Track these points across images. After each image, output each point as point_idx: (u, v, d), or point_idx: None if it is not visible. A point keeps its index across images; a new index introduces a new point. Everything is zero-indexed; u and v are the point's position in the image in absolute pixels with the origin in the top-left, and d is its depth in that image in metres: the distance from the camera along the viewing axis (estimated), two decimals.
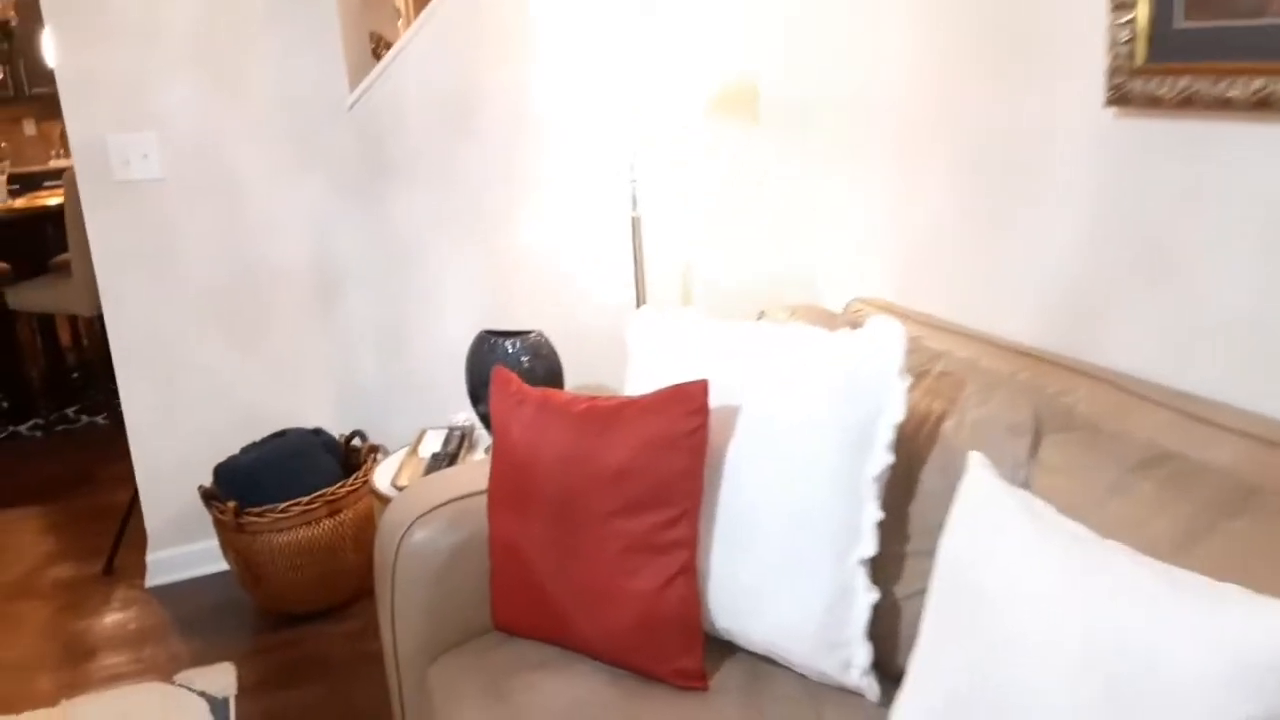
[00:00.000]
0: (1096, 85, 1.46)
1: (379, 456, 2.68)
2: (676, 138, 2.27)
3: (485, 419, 2.26)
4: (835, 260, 2.16)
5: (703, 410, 1.37)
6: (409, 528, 1.63)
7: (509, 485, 1.53)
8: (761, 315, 1.82)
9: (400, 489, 2.03)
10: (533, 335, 2.21)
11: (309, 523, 2.45)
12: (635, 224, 2.17)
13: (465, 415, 2.65)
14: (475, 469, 1.76)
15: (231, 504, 2.41)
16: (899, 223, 1.96)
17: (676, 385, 1.40)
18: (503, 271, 2.65)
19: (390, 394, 2.84)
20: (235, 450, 2.65)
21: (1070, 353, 1.58)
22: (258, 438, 2.70)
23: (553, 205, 2.63)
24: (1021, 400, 1.38)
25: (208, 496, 2.51)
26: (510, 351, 2.19)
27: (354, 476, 2.55)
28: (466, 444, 2.25)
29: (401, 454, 2.30)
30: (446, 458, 2.12)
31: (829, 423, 1.35)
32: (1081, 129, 1.51)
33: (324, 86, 2.67)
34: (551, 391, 1.55)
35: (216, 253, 2.73)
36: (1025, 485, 1.27)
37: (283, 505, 2.42)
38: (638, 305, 2.22)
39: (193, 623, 2.63)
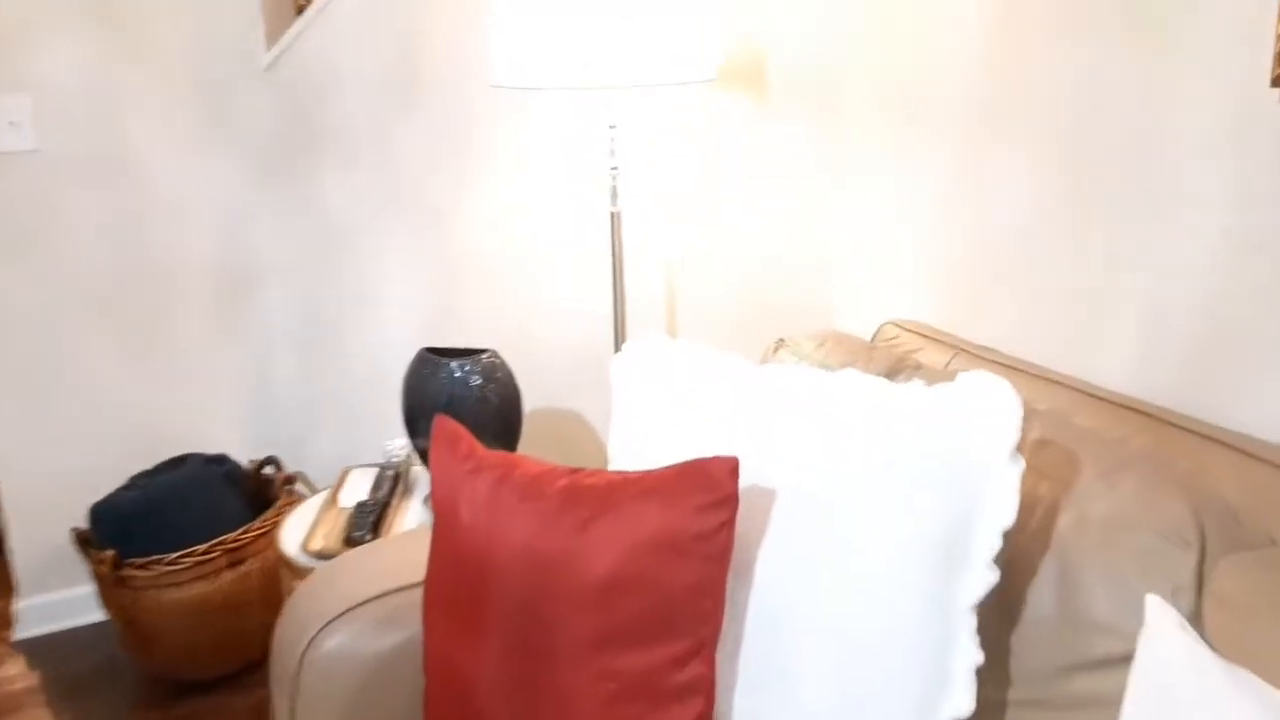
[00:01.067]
0: (1264, 55, 1.08)
1: (296, 488, 2.23)
2: (665, 116, 1.84)
3: (424, 454, 1.83)
4: (857, 271, 1.76)
5: (730, 501, 0.96)
6: (318, 633, 1.20)
7: (452, 587, 1.10)
8: (780, 345, 1.42)
9: (314, 554, 1.59)
10: (485, 356, 1.78)
11: (206, 576, 2.00)
12: (614, 220, 1.76)
13: (401, 443, 2.21)
14: (412, 543, 1.33)
15: (109, 553, 1.95)
16: (952, 227, 1.56)
17: (692, 463, 0.99)
18: (451, 271, 2.20)
19: (312, 414, 2.38)
20: (123, 479, 2.19)
21: (1198, 412, 1.20)
22: (150, 464, 2.23)
23: (513, 195, 2.18)
24: (1170, 491, 0.99)
25: (82, 541, 2.04)
26: (457, 375, 1.76)
27: (263, 517, 2.10)
28: (401, 488, 1.82)
29: (317, 501, 1.86)
30: (374, 509, 1.69)
31: (906, 523, 0.95)
32: (1233, 115, 1.13)
33: (237, 41, 2.20)
34: (516, 459, 1.13)
35: (103, 242, 2.25)
36: (1197, 627, 0.89)
37: (173, 555, 1.96)
38: (616, 316, 1.80)
39: (67, 687, 2.16)
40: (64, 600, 2.35)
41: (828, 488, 1.00)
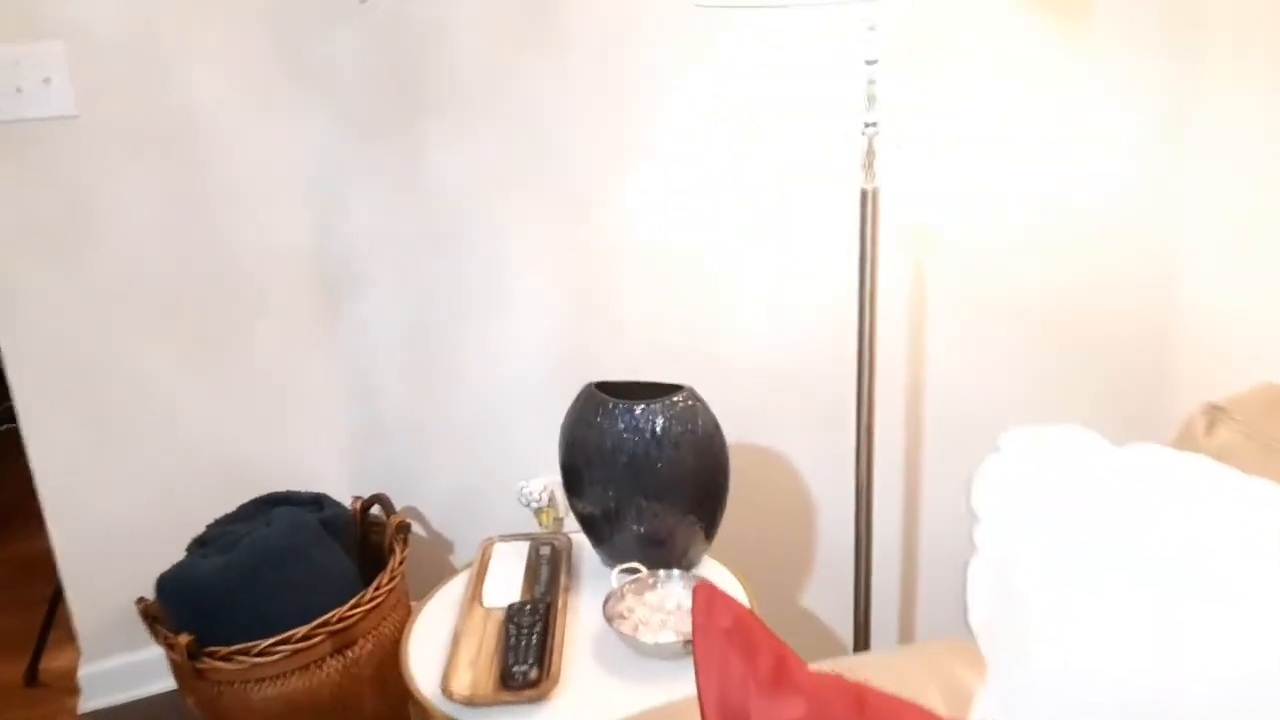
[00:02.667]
0: None
1: (408, 536, 1.78)
2: (939, 48, 1.30)
3: (589, 521, 1.35)
4: (1231, 276, 1.21)
5: None
6: None
7: None
8: (1217, 417, 0.88)
9: (460, 701, 1.10)
10: (680, 398, 1.28)
11: (306, 666, 1.56)
12: (868, 202, 1.23)
13: (539, 485, 1.73)
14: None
15: (184, 638, 1.52)
16: None
17: None
18: (600, 270, 1.68)
19: (423, 441, 1.92)
20: (197, 526, 1.76)
21: None
22: (229, 506, 1.79)
23: (688, 173, 1.62)
24: None
25: (149, 616, 1.61)
26: (642, 425, 1.26)
27: (376, 584, 1.65)
28: (563, 578, 1.33)
29: (457, 594, 1.37)
30: (535, 621, 1.20)
31: None
32: None
33: None
34: (859, 688, 0.63)
35: (161, 231, 1.79)
36: None
37: (264, 644, 1.52)
38: (862, 342, 1.28)
39: None
40: (133, 665, 1.94)
41: None
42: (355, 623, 1.58)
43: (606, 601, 1.22)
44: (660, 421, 1.26)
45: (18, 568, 2.49)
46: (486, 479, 1.87)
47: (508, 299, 1.75)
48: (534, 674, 1.10)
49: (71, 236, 1.74)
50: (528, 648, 1.16)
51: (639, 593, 1.24)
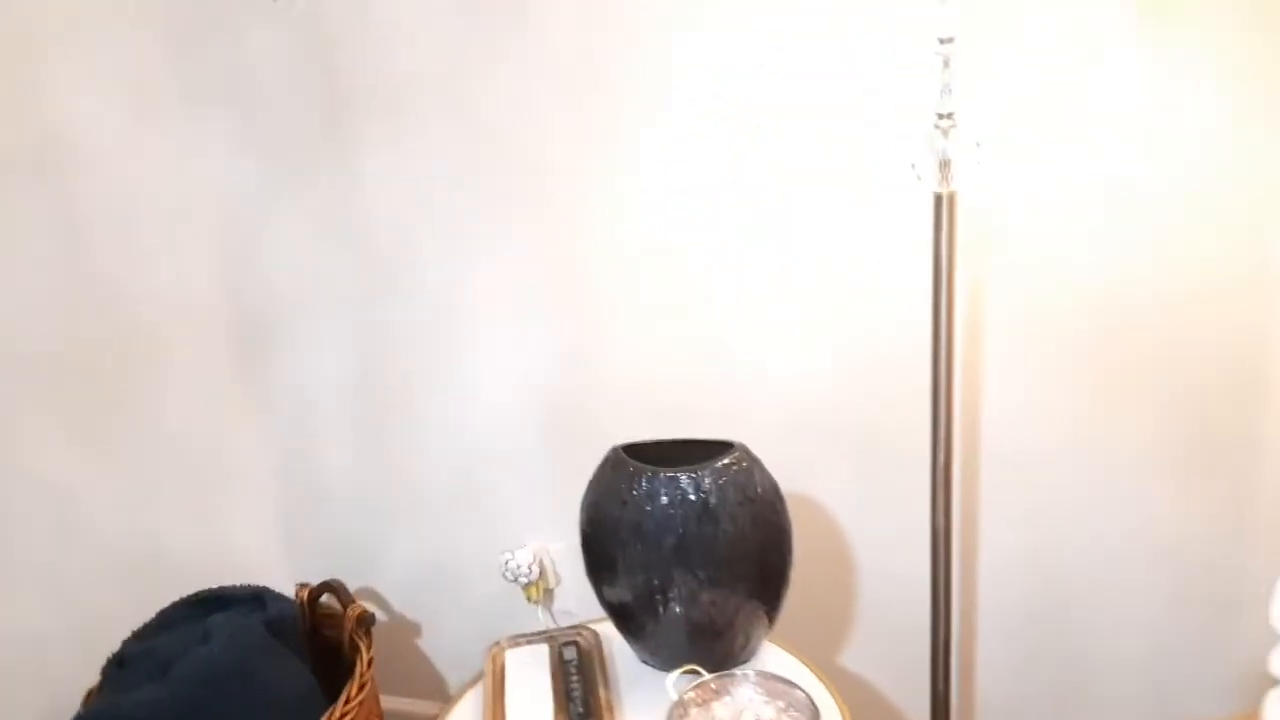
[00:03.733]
0: None
1: (371, 628, 1.49)
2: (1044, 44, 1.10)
3: (623, 613, 1.11)
4: None
5: None
6: None
7: None
8: None
9: None
10: (733, 457, 1.05)
11: None
12: (943, 209, 1.02)
13: (525, 557, 1.48)
14: None
15: None
16: None
17: None
18: (586, 286, 1.42)
19: (379, 510, 1.63)
20: (111, 634, 1.43)
21: None
22: (148, 611, 1.47)
23: (690, 174, 1.31)
24: None
25: None
26: (688, 495, 1.02)
27: (345, 695, 1.36)
28: (599, 681, 1.08)
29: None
30: None
31: None
32: None
33: None
34: None
35: (34, 275, 1.45)
36: None
37: None
38: (938, 363, 1.07)
39: None
40: None
41: None
42: None
43: (672, 712, 0.98)
44: (712, 490, 1.02)
45: None
46: (455, 550, 1.60)
47: (471, 340, 1.48)
48: None
49: None
50: None
51: (704, 703, 1.01)
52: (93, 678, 1.41)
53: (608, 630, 1.18)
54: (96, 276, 1.49)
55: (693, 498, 1.03)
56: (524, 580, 1.48)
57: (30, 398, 1.48)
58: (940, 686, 1.20)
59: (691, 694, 1.02)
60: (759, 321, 1.31)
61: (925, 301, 1.10)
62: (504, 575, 1.49)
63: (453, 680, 1.69)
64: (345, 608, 1.50)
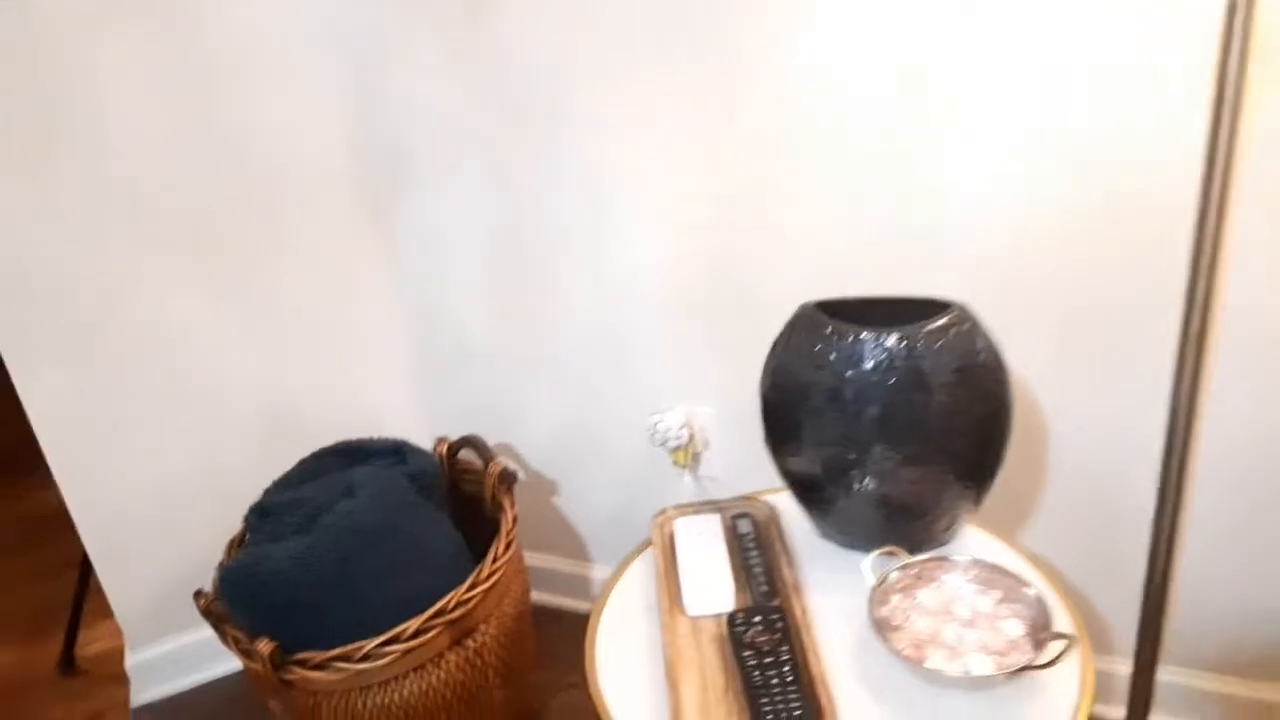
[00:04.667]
0: None
1: (513, 485, 1.43)
2: None
3: (806, 484, 0.99)
4: None
5: None
6: None
7: None
8: None
9: None
10: (951, 317, 0.90)
11: (422, 665, 1.24)
12: (1238, 12, 0.82)
13: (676, 418, 1.38)
14: None
15: (265, 646, 1.18)
16: None
17: None
18: (758, 142, 1.25)
19: (515, 367, 1.54)
20: (244, 482, 1.40)
21: None
22: (279, 461, 1.43)
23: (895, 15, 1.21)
24: None
25: (212, 615, 1.27)
26: (897, 361, 0.89)
27: (492, 553, 1.30)
28: (781, 558, 0.99)
29: (639, 591, 1.02)
30: (774, 635, 0.86)
31: None
32: None
33: None
34: None
35: (153, 117, 1.36)
36: None
37: (369, 645, 1.19)
38: (1205, 215, 0.89)
39: None
40: (191, 648, 1.62)
41: None
42: (474, 606, 1.25)
43: (873, 593, 0.88)
44: (926, 354, 0.88)
45: (31, 527, 2.15)
46: (597, 411, 1.51)
47: (618, 191, 1.34)
48: None
49: (43, 139, 1.31)
50: (780, 686, 0.82)
51: (906, 589, 0.91)
52: (232, 531, 1.39)
53: (781, 502, 1.08)
54: (222, 124, 1.39)
55: (902, 363, 0.89)
56: (673, 444, 1.39)
57: (157, 247, 1.41)
58: (1156, 587, 1.07)
59: (893, 578, 0.91)
60: (962, 168, 1.13)
61: (1188, 146, 0.91)
62: (652, 438, 1.40)
63: (591, 541, 1.64)
64: (486, 464, 1.44)
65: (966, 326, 0.91)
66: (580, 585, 1.67)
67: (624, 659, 0.91)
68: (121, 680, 1.62)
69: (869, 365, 0.90)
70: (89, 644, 1.75)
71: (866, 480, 0.94)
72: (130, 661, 1.60)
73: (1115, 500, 1.21)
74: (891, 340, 0.89)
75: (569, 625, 1.65)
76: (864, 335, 0.90)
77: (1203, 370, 0.97)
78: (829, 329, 0.92)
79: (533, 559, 1.69)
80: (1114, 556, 1.24)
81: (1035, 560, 0.99)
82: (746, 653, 0.86)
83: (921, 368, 0.89)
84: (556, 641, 1.60)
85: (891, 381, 0.89)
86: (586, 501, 1.60)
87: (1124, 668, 1.29)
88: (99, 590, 1.56)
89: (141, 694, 1.61)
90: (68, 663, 1.71)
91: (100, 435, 1.47)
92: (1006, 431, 0.94)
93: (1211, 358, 1.06)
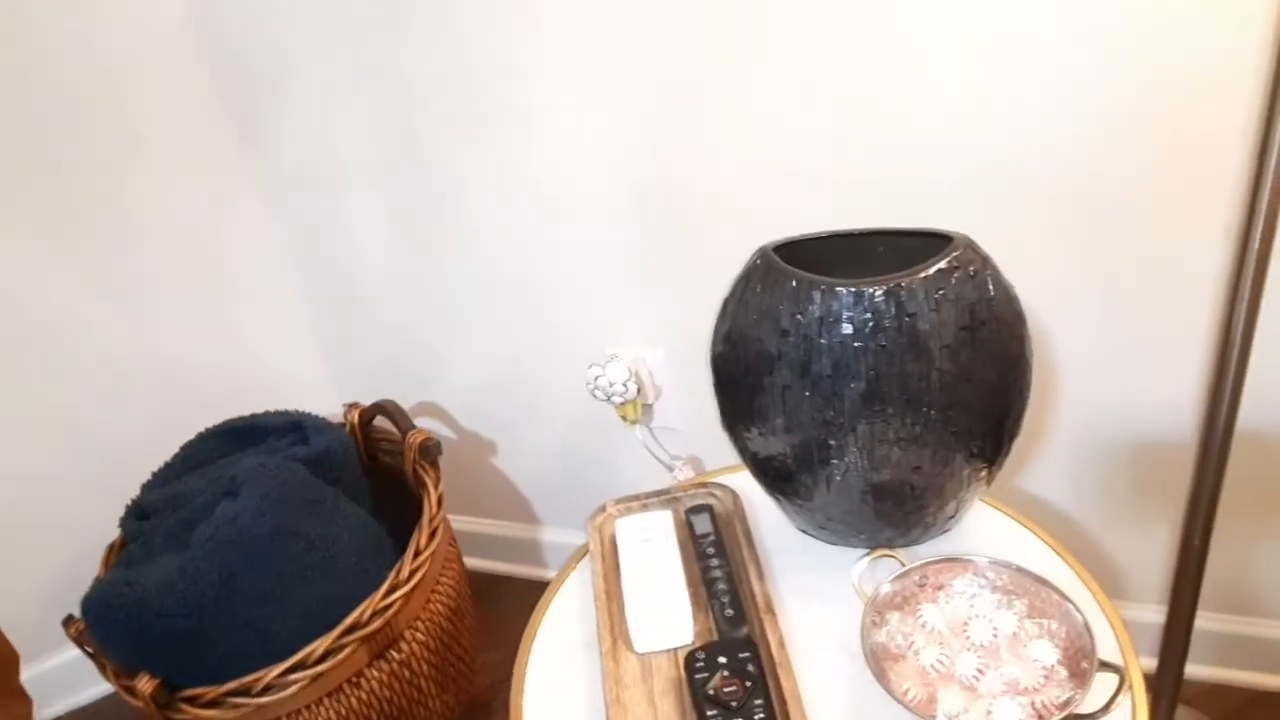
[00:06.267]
0: None
1: (438, 458, 1.22)
2: None
3: (777, 472, 0.78)
4: None
5: None
6: None
7: None
8: None
9: None
10: (955, 257, 0.68)
11: (339, 687, 1.04)
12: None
13: (623, 367, 1.16)
14: None
15: (145, 683, 0.98)
16: None
17: None
18: (709, 12, 0.99)
19: (429, 315, 1.30)
20: (126, 471, 1.18)
21: None
22: (169, 440, 1.20)
23: None
24: None
25: (83, 644, 1.06)
26: (884, 317, 0.67)
27: (413, 546, 1.10)
28: (749, 566, 0.78)
29: (572, 618, 0.81)
30: (745, 685, 0.67)
31: None
32: None
33: None
34: None
35: None
36: None
37: (270, 674, 0.99)
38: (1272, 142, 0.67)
39: None
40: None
41: None
42: (395, 612, 1.06)
43: (863, 634, 0.68)
44: (923, 311, 0.66)
45: None
46: (528, 360, 1.29)
47: (538, 97, 1.08)
48: None
49: None
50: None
51: (908, 604, 0.71)
52: (114, 517, 1.17)
53: (744, 484, 0.88)
54: (44, 28, 1.10)
55: (892, 322, 0.67)
56: (618, 399, 1.18)
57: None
58: (1197, 539, 0.89)
59: (889, 590, 0.71)
60: (961, 52, 0.88)
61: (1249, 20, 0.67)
62: (593, 394, 1.19)
63: (538, 503, 1.44)
64: (404, 434, 1.22)
65: (974, 269, 0.69)
66: (529, 550, 1.48)
67: (560, 713, 0.71)
68: (20, 695, 1.43)
69: (849, 329, 0.68)
70: None
71: (850, 468, 0.73)
72: (25, 675, 1.40)
73: (1139, 439, 1.01)
74: (878, 294, 0.67)
75: (518, 593, 1.47)
76: (841, 289, 0.68)
77: (1261, 297, 0.76)
78: (795, 283, 0.70)
79: (473, 524, 1.49)
80: (1136, 495, 1.06)
81: (1051, 527, 0.79)
82: (710, 712, 0.66)
83: (918, 328, 0.67)
84: (506, 614, 1.42)
85: (879, 347, 0.67)
86: (529, 460, 1.39)
87: (1146, 614, 1.13)
88: None
89: (45, 709, 1.42)
90: None
91: None
92: (1026, 396, 0.73)
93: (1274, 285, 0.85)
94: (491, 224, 1.18)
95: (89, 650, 1.05)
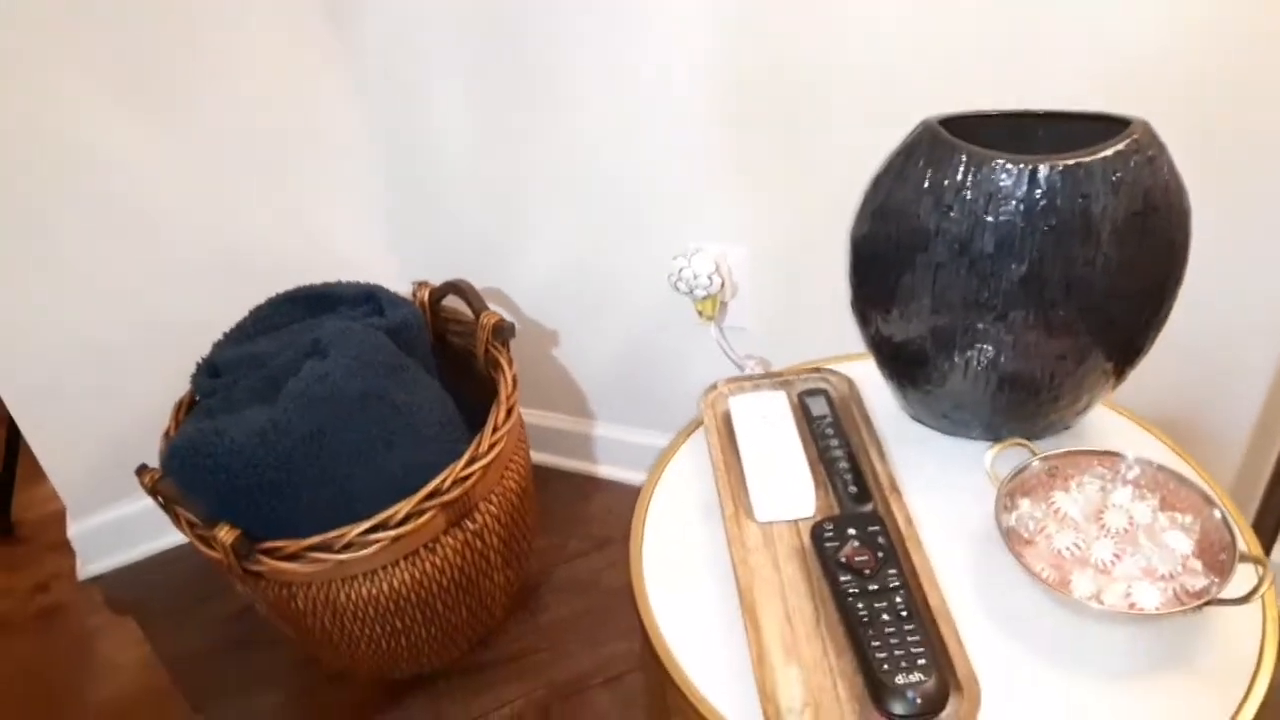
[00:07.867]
0: None
1: (509, 340, 1.19)
2: None
3: (903, 355, 0.77)
4: None
5: None
6: None
7: None
8: None
9: None
10: (1131, 141, 0.66)
11: (415, 551, 1.04)
12: None
13: (709, 259, 1.14)
14: None
15: (226, 534, 0.97)
16: None
17: None
18: None
19: (505, 198, 1.27)
20: (184, 329, 1.15)
21: None
22: (230, 308, 1.17)
23: None
24: None
25: (162, 497, 1.04)
26: (1058, 197, 0.65)
27: (491, 422, 1.08)
28: (869, 447, 0.77)
29: (687, 485, 0.80)
30: (877, 555, 0.66)
31: None
32: None
33: None
34: None
35: None
36: None
37: (352, 532, 0.98)
38: None
39: (190, 664, 1.29)
40: (141, 515, 1.41)
41: None
42: (474, 483, 1.04)
43: (997, 514, 0.68)
44: (1097, 193, 0.65)
45: None
46: (604, 251, 1.26)
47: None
48: (931, 684, 0.59)
49: None
50: (893, 620, 0.63)
51: (1038, 492, 0.71)
52: (179, 391, 1.15)
53: (855, 372, 0.86)
54: None
55: (1065, 203, 0.65)
56: (700, 293, 1.16)
57: (61, 52, 1.09)
58: None
59: (1023, 477, 0.71)
60: None
61: None
62: (675, 286, 1.16)
63: (594, 398, 1.43)
64: (477, 315, 1.20)
65: (1151, 154, 0.67)
66: (581, 444, 1.47)
67: (682, 583, 0.71)
68: (65, 549, 1.42)
69: (1014, 204, 0.66)
70: (28, 508, 1.53)
71: (991, 355, 0.72)
72: (73, 530, 1.39)
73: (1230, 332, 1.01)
74: (1051, 172, 0.65)
75: (568, 486, 1.47)
76: (1013, 166, 0.66)
77: None
78: (963, 156, 0.68)
79: (528, 415, 1.48)
80: (1222, 374, 1.06)
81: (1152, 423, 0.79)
82: (844, 577, 0.66)
83: (1090, 210, 0.65)
84: (554, 504, 1.42)
85: (1047, 227, 0.66)
86: (590, 354, 1.37)
87: None
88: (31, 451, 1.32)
89: (89, 565, 1.41)
90: (5, 528, 1.50)
91: (16, 285, 1.19)
92: (1177, 292, 0.72)
93: None
94: (585, 112, 1.14)
95: (162, 500, 1.03)
